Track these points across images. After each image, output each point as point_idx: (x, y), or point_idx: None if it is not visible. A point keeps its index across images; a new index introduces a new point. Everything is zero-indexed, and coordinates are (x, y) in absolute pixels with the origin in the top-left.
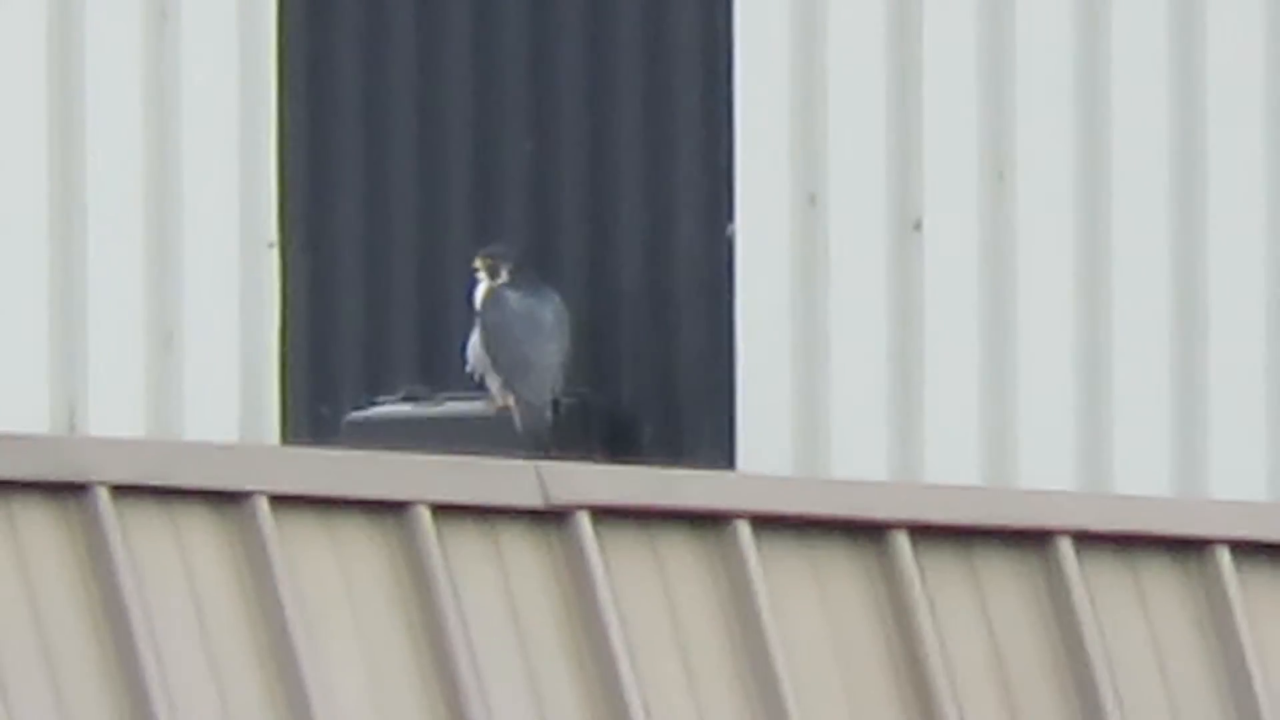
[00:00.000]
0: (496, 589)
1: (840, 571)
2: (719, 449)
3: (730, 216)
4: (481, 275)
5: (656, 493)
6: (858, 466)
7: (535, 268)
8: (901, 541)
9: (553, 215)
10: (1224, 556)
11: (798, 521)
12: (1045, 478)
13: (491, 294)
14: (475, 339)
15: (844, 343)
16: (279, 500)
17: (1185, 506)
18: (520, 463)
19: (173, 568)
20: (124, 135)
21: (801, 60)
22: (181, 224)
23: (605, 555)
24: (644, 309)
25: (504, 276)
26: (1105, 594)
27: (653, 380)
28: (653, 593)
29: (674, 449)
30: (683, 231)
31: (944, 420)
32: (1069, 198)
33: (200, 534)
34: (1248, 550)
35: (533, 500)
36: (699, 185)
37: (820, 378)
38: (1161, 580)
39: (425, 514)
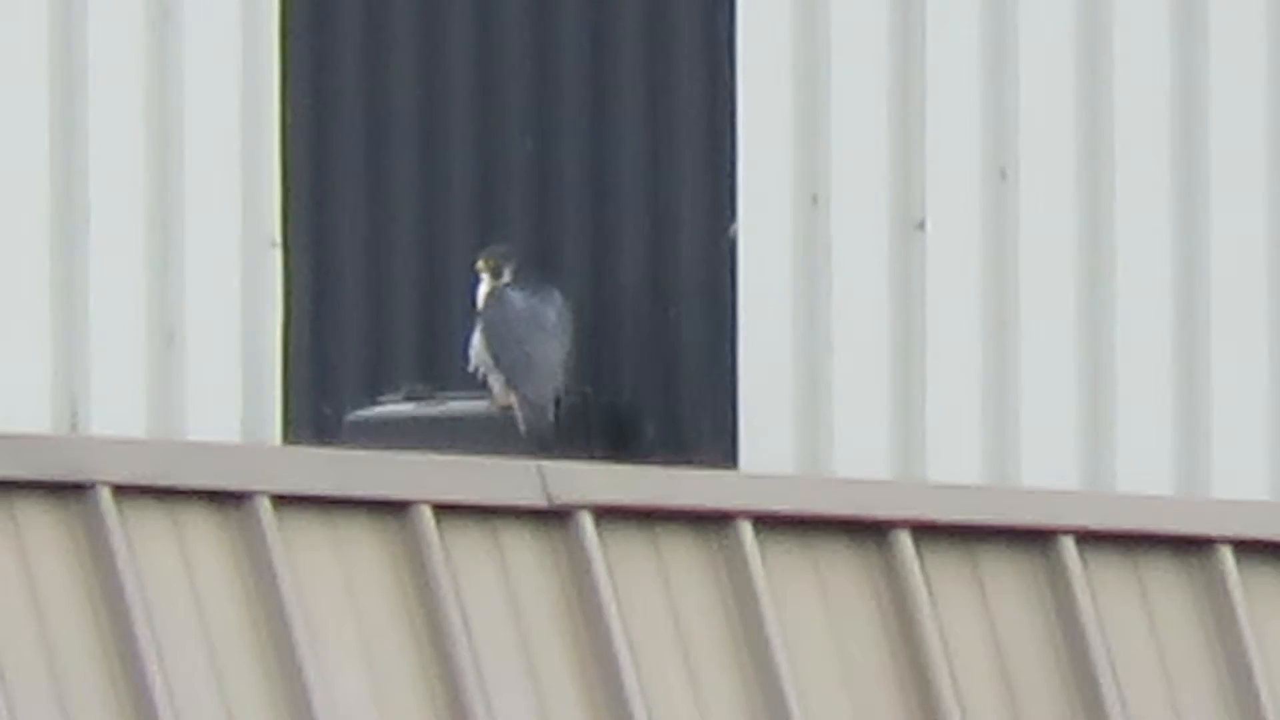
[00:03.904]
0: (499, 589)
1: (842, 570)
2: (721, 448)
3: (732, 216)
4: (484, 276)
5: (659, 492)
6: (860, 465)
7: (538, 267)
8: (904, 540)
9: (554, 214)
10: (1226, 556)
11: (800, 520)
12: (1048, 476)
13: (494, 293)
14: (477, 338)
15: (846, 342)
16: (281, 500)
17: (1188, 506)
18: (522, 462)
19: (175, 567)
20: (126, 134)
21: (803, 60)
22: (184, 223)
23: (607, 555)
24: (646, 308)
25: (507, 277)
26: (1108, 593)
27: (655, 379)
28: (655, 592)
29: (676, 448)
30: (685, 231)
31: (946, 419)
32: (1072, 197)
33: (202, 534)
34: (1250, 549)
35: (535, 500)
36: (701, 185)
37: (822, 377)
38: (1164, 579)
39: (427, 514)
